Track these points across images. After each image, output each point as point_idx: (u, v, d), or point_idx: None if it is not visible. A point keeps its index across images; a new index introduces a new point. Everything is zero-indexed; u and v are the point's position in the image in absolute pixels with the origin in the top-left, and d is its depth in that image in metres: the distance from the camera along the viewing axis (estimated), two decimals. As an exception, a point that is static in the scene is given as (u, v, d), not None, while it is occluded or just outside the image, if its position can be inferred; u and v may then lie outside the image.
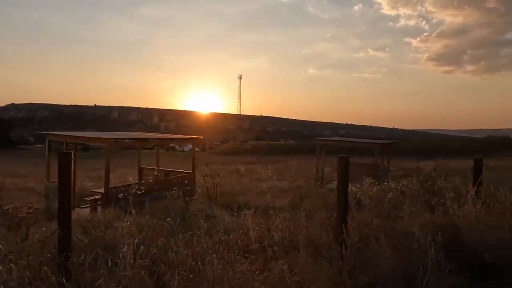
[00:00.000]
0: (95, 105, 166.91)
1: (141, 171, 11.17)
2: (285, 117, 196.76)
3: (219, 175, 9.78)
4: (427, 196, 5.27)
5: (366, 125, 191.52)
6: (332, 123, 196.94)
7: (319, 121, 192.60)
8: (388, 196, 5.89)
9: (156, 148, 12.31)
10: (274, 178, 19.89)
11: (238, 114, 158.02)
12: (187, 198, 7.27)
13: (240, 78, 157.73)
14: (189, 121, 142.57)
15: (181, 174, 10.34)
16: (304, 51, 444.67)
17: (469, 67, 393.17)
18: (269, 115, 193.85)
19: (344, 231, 3.47)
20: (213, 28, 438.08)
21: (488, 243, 3.58)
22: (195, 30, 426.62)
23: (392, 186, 6.91)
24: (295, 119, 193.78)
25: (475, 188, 4.74)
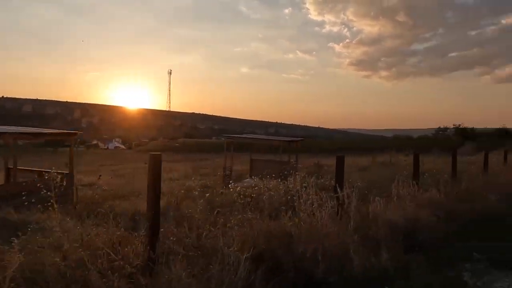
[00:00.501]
0: (2, 97, 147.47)
1: (9, 172, 9.44)
2: (217, 115, 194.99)
3: (100, 176, 8.60)
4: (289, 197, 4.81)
5: (294, 124, 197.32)
6: (263, 121, 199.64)
7: (251, 119, 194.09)
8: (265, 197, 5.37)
9: (74, 146, 10.51)
10: (192, 177, 19.01)
11: (168, 111, 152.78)
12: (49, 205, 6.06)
13: (170, 73, 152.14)
14: (114, 117, 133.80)
15: (50, 176, 8.88)
16: (236, 50, 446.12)
17: (383, 73, 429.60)
18: (201, 112, 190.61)
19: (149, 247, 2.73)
20: (143, 21, 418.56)
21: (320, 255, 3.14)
22: (123, 21, 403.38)
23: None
24: (227, 117, 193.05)
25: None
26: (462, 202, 6.17)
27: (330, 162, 22.20)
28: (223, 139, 17.64)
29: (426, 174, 9.09)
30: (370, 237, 3.80)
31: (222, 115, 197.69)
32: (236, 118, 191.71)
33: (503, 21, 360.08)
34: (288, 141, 17.07)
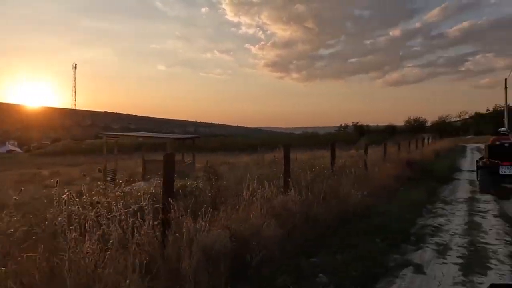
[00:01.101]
0: None
1: None
2: (132, 114, 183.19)
3: None
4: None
5: (214, 123, 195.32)
6: (182, 120, 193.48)
7: (169, 118, 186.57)
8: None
9: None
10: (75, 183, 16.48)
11: (77, 110, 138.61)
12: None
13: (75, 68, 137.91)
14: (10, 116, 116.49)
15: None
16: (152, 46, 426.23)
17: (295, 75, 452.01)
18: (114, 111, 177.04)
19: None
20: (44, 8, 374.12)
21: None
22: (19, 7, 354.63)
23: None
24: (143, 116, 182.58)
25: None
26: (325, 203, 5.59)
27: (239, 160, 21.71)
28: (105, 138, 15.49)
29: (315, 168, 8.63)
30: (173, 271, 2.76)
31: (138, 114, 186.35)
32: (153, 117, 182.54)
33: (390, 33, 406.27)
34: (179, 138, 15.67)
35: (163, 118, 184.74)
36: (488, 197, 8.73)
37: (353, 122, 67.13)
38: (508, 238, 5.27)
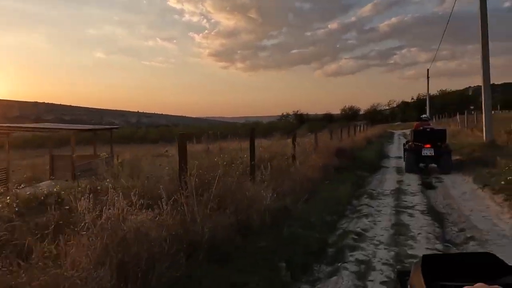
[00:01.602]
0: None
1: None
2: (67, 104, 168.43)
3: None
4: None
5: (156, 113, 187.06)
6: (123, 110, 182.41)
7: (108, 108, 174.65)
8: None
9: None
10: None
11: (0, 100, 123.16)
12: None
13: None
14: None
15: None
16: (89, 32, 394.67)
17: (239, 65, 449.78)
18: (46, 102, 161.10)
19: None
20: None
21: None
22: None
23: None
24: (80, 106, 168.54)
25: None
26: (219, 214, 4.10)
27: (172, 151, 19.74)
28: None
29: (234, 163, 7.27)
30: None
31: (74, 105, 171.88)
32: (91, 108, 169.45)
33: (329, 26, 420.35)
34: (91, 129, 13.32)
35: (102, 109, 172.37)
36: (414, 187, 7.99)
37: (293, 111, 67.51)
38: (439, 246, 4.25)
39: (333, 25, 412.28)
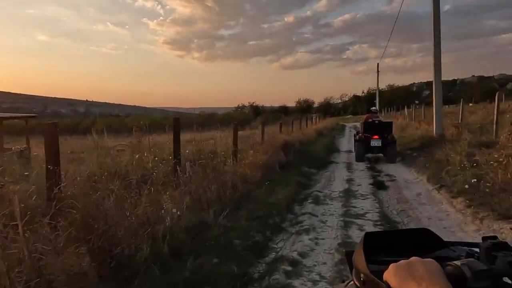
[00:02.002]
0: None
1: None
2: (6, 91, 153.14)
3: None
4: None
5: (108, 102, 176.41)
6: (70, 99, 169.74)
7: (54, 96, 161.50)
8: None
9: None
10: None
11: None
12: None
13: None
14: None
15: None
16: (30, 12, 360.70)
17: (196, 54, 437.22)
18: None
19: None
20: None
21: None
22: None
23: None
24: (21, 94, 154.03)
25: None
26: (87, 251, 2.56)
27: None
28: None
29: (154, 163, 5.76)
30: None
31: (14, 91, 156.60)
32: (34, 95, 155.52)
33: (285, 19, 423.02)
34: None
35: (47, 97, 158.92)
36: (365, 187, 6.95)
37: (249, 103, 66.36)
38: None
39: (289, 18, 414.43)
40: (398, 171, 8.42)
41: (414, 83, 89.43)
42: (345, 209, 5.45)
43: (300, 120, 20.36)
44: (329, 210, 5.41)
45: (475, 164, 6.32)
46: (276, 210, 5.11)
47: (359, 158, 9.90)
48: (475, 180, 5.32)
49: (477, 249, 0.63)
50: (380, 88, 45.14)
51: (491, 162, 5.39)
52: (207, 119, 44.83)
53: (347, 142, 15.95)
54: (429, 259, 0.53)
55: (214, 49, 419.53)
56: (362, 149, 9.86)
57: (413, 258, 0.53)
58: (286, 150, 10.30)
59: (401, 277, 0.50)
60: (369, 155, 10.12)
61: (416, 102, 33.37)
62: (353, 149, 11.43)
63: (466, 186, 5.27)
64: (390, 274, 0.52)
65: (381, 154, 9.99)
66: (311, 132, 16.77)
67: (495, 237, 0.63)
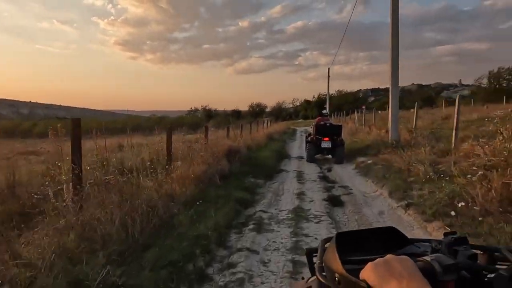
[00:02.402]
0: None
1: None
2: None
3: None
4: None
5: (54, 104, 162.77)
6: (13, 100, 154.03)
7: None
8: None
9: None
10: None
11: None
12: None
13: None
14: None
15: None
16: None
17: (149, 56, 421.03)
18: None
19: None
20: None
21: None
22: None
23: None
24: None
25: None
26: None
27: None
28: None
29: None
30: None
31: None
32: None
33: (240, 24, 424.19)
34: None
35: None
36: (318, 203, 5.68)
37: (202, 106, 64.11)
38: None
39: (244, 23, 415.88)
40: (354, 182, 7.33)
41: (360, 89, 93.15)
42: (294, 239, 4.10)
43: (250, 124, 19.11)
44: (274, 242, 4.03)
45: (442, 175, 5.35)
46: (201, 246, 3.62)
47: (310, 159, 10.17)
48: (450, 197, 4.26)
49: (440, 245, 0.66)
50: (330, 94, 45.64)
51: (469, 176, 4.37)
52: (156, 123, 42.17)
53: (297, 147, 14.95)
54: (403, 256, 0.53)
55: (168, 51, 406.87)
56: (313, 150, 10.14)
57: (388, 256, 0.53)
58: (230, 157, 8.84)
59: (379, 275, 0.50)
60: (319, 156, 10.50)
61: (363, 107, 33.78)
62: (304, 155, 11.00)
63: (441, 205, 4.19)
64: (368, 272, 0.52)
65: (330, 156, 10.35)
66: (261, 136, 15.53)
67: (455, 233, 0.69)
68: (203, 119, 53.10)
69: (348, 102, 54.12)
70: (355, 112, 27.08)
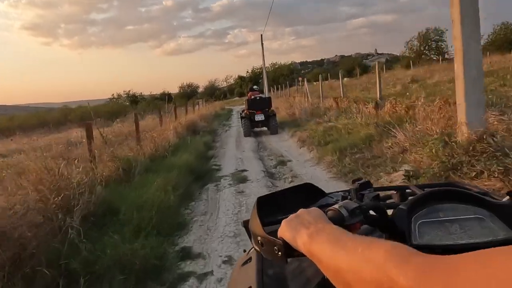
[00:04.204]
0: None
1: None
2: None
3: None
4: None
5: None
6: None
7: None
8: None
9: None
10: None
11: None
12: None
13: None
14: None
15: None
16: None
17: (66, 41, 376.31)
18: None
19: None
20: None
21: None
22: None
23: None
24: None
25: None
26: None
27: None
28: None
29: None
30: None
31: None
32: None
33: (164, 3, 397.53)
34: None
35: None
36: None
37: (125, 91, 56.93)
38: None
39: (168, 2, 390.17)
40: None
41: (292, 62, 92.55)
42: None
43: (175, 109, 14.86)
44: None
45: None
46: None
47: (247, 133, 10.32)
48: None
49: (348, 193, 0.74)
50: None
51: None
52: (64, 116, 35.25)
53: (237, 145, 9.01)
54: (312, 207, 0.57)
55: (87, 35, 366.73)
56: (249, 124, 10.33)
57: (300, 210, 0.56)
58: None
59: (292, 228, 0.52)
60: (255, 129, 10.61)
61: (300, 78, 31.53)
62: (252, 167, 6.53)
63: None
64: (283, 230, 0.54)
65: (265, 128, 10.62)
66: (181, 127, 10.22)
67: (361, 179, 0.76)
68: (127, 106, 46.62)
69: (284, 75, 52.01)
70: (306, 83, 24.43)
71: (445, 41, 38.11)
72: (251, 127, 10.34)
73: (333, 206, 0.57)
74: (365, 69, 48.84)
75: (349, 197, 0.71)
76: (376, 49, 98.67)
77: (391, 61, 56.35)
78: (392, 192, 0.78)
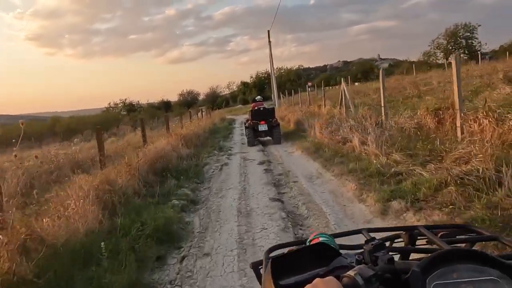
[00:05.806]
0: None
1: None
2: None
3: None
4: None
5: None
6: None
7: None
8: None
9: None
10: None
11: None
12: None
13: None
14: None
15: None
16: None
17: (70, 51, 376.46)
18: None
19: None
20: None
21: None
22: None
23: None
24: None
25: None
26: None
27: None
28: None
29: None
30: None
31: None
32: None
33: (166, 12, 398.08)
34: None
35: None
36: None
37: (121, 100, 53.91)
38: None
39: (170, 11, 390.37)
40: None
41: (300, 65, 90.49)
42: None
43: (167, 122, 11.82)
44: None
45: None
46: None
47: (251, 143, 10.63)
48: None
49: (362, 256, 0.72)
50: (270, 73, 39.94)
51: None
52: (48, 128, 32.38)
53: (237, 163, 6.83)
54: (329, 277, 0.58)
55: (91, 44, 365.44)
56: (253, 134, 10.66)
57: (316, 280, 0.57)
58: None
59: None
60: (260, 139, 11.05)
61: (309, 83, 28.65)
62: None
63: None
64: None
65: (269, 138, 10.95)
66: (144, 162, 5.99)
67: (374, 239, 0.75)
68: (122, 116, 43.59)
69: (291, 80, 49.01)
70: (307, 91, 21.55)
71: (476, 38, 34.90)
72: (255, 137, 10.78)
73: (348, 273, 0.59)
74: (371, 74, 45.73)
75: (363, 260, 0.71)
76: (379, 54, 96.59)
77: (394, 66, 53.74)
78: (401, 233, 0.88)
